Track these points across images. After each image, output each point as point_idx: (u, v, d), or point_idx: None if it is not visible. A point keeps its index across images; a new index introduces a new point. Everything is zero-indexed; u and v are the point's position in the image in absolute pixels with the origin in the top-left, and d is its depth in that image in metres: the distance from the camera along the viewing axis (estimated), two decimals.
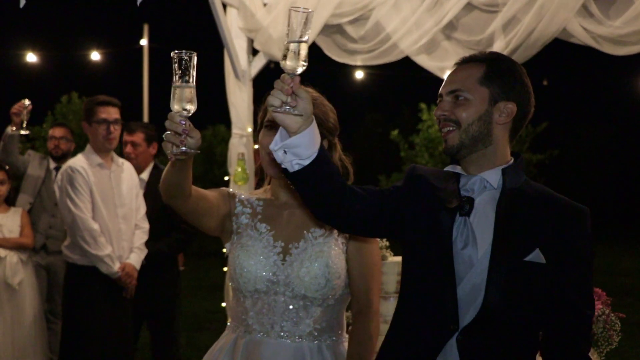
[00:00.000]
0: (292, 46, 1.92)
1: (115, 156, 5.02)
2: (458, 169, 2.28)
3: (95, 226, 4.71)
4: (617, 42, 4.31)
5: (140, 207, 5.10)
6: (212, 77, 5.72)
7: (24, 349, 5.48)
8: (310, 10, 1.95)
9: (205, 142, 20.25)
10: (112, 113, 4.88)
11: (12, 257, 5.56)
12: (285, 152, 2.01)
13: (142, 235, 5.06)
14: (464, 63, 2.27)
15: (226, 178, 5.40)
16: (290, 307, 2.48)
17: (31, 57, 13.13)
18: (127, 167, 5.09)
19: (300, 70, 1.93)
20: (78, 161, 4.83)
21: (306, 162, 2.02)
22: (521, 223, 2.15)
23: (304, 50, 1.93)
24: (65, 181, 4.75)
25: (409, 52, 4.64)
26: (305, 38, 1.93)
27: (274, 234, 2.54)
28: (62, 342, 4.91)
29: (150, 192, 5.32)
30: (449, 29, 4.60)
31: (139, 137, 5.42)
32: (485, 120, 2.18)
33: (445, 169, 2.32)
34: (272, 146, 2.02)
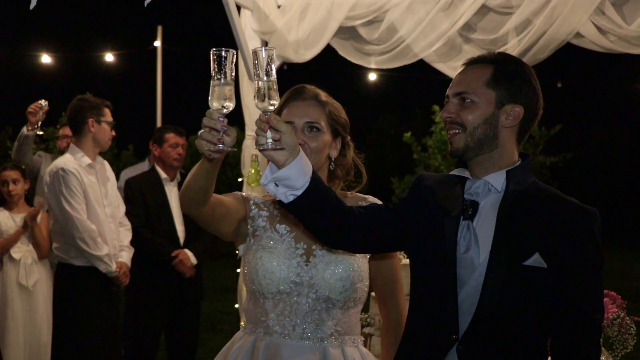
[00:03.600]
0: (261, 84, 1.97)
1: (98, 156, 5.06)
2: (466, 172, 2.27)
3: (93, 227, 4.76)
4: (633, 43, 4.28)
5: (120, 205, 5.20)
6: None
7: (37, 349, 5.51)
8: (273, 48, 2.01)
9: None
10: (111, 115, 5.04)
11: (27, 259, 5.58)
12: (276, 184, 2.05)
13: (127, 233, 5.17)
14: (472, 64, 2.26)
15: (240, 179, 5.42)
16: (313, 309, 2.48)
17: (46, 59, 13.21)
18: (107, 166, 5.17)
19: (271, 108, 1.98)
20: (69, 162, 4.84)
21: (299, 192, 2.05)
22: (522, 226, 2.11)
23: (272, 88, 1.97)
24: (58, 183, 4.75)
25: (423, 54, 4.63)
26: (272, 76, 1.97)
27: (295, 236, 2.54)
28: (54, 340, 4.93)
29: None
30: (465, 29, 4.59)
31: (185, 140, 5.71)
32: (491, 124, 2.17)
33: (452, 172, 2.31)
34: (262, 180, 2.08)
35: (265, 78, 1.96)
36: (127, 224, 5.20)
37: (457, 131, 2.20)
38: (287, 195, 2.06)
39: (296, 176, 2.03)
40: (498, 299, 2.08)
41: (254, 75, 1.99)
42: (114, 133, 5.04)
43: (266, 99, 1.96)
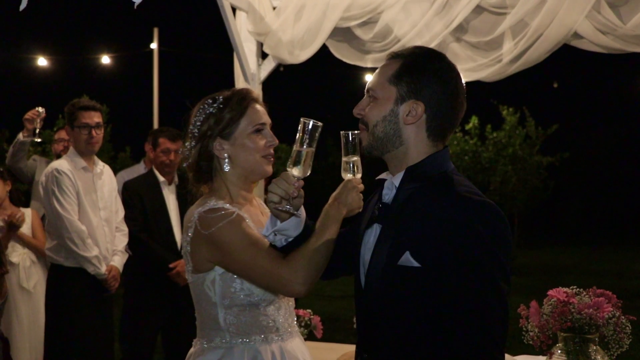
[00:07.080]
0: (302, 151, 2.15)
1: (96, 159, 5.05)
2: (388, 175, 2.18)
3: (83, 228, 4.76)
4: (631, 42, 4.26)
5: (119, 210, 5.17)
6: (222, 80, 5.73)
7: (41, 350, 5.50)
8: (320, 123, 2.16)
9: None
10: (93, 117, 4.90)
11: (26, 261, 5.58)
12: (275, 234, 2.28)
13: (122, 238, 5.13)
14: (389, 59, 2.14)
15: None
16: (292, 306, 2.68)
17: (42, 62, 13.21)
18: (106, 170, 5.14)
19: (302, 176, 2.18)
20: (63, 164, 4.84)
21: (291, 239, 2.29)
22: (402, 225, 1.99)
23: (310, 157, 2.16)
24: (51, 183, 4.75)
25: None
26: (313, 147, 2.16)
27: None
28: (46, 342, 4.93)
29: (181, 198, 5.48)
30: (459, 31, 4.59)
31: (179, 145, 5.50)
32: (390, 121, 2.05)
33: (380, 175, 2.20)
34: (263, 232, 2.30)
35: (305, 147, 2.14)
36: (125, 229, 5.16)
37: (363, 128, 2.14)
38: (282, 242, 2.29)
39: (293, 228, 2.25)
40: (377, 300, 2.01)
41: (296, 141, 2.14)
42: (94, 134, 4.89)
43: (302, 166, 2.15)
